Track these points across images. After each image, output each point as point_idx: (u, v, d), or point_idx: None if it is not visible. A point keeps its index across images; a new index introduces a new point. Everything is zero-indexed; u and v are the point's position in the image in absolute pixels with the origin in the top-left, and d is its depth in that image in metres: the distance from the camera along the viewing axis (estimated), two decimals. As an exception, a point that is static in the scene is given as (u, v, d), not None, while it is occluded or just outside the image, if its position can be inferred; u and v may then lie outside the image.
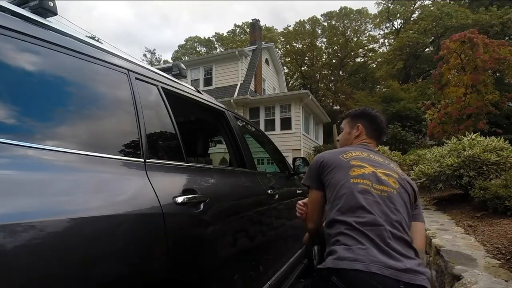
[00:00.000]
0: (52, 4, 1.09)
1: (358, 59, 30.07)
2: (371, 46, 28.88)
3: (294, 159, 3.04)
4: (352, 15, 29.04)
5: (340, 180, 1.19)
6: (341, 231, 1.10)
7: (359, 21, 29.34)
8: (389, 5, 25.83)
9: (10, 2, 1.02)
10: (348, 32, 29.45)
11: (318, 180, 1.29)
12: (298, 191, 2.77)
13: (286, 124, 12.79)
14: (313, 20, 29.60)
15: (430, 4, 22.84)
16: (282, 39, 30.30)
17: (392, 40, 25.77)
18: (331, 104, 28.32)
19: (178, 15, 62.98)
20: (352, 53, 29.34)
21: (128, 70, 1.32)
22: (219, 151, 3.45)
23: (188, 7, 63.38)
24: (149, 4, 61.73)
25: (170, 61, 27.88)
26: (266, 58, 16.89)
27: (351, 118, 1.47)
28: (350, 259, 1.01)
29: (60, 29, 1.11)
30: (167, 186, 1.26)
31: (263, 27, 23.43)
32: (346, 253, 1.03)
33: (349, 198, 1.14)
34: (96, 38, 11.86)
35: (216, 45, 33.85)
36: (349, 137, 1.45)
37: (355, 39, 29.34)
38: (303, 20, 29.85)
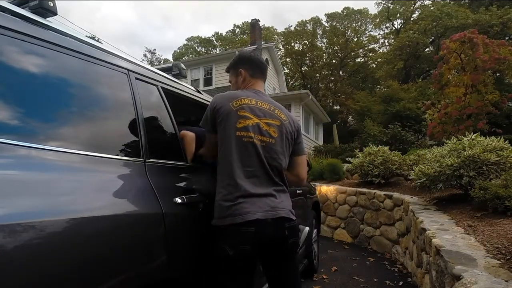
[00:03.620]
0: (52, 4, 1.09)
1: (358, 59, 30.03)
2: (371, 46, 28.86)
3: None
4: (353, 15, 29.04)
5: (227, 132, 1.34)
6: (227, 183, 1.31)
7: (360, 22, 29.33)
8: (389, 5, 25.80)
9: (10, 2, 1.02)
10: (349, 32, 29.44)
11: (213, 124, 1.41)
12: (298, 191, 2.77)
13: (286, 124, 12.77)
14: (315, 20, 29.60)
15: (430, 4, 22.82)
16: (282, 39, 30.30)
17: (392, 40, 25.74)
18: (331, 104, 28.29)
19: (180, 16, 63.06)
20: (352, 53, 29.29)
21: (128, 70, 1.32)
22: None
23: (191, 8, 63.42)
24: (151, 4, 61.78)
25: (171, 61, 27.88)
26: (266, 58, 16.88)
27: (233, 68, 1.57)
28: (233, 214, 1.25)
29: (60, 29, 1.11)
30: (167, 186, 1.26)
31: (262, 27, 23.43)
32: (227, 210, 1.27)
33: (233, 152, 1.32)
34: (96, 38, 11.85)
35: (216, 44, 33.83)
36: (237, 85, 1.56)
37: (355, 39, 29.32)
38: (305, 20, 29.91)
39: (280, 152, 1.38)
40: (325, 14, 29.98)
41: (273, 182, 1.36)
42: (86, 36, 1.30)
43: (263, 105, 1.41)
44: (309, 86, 27.94)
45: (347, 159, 6.81)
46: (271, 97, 1.92)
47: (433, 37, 21.08)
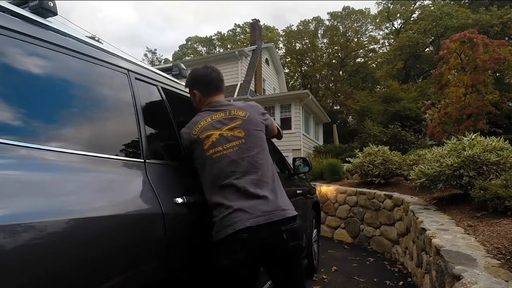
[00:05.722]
0: (52, 4, 1.09)
1: (358, 60, 30.02)
2: (371, 46, 28.85)
3: (294, 159, 3.03)
4: (353, 15, 29.03)
5: (200, 157, 1.38)
6: (215, 199, 1.30)
7: (360, 22, 29.33)
8: (389, 5, 25.78)
9: (10, 2, 1.02)
10: (349, 32, 29.43)
11: (187, 151, 1.47)
12: (298, 191, 2.77)
13: (286, 124, 12.76)
14: (318, 20, 29.62)
15: (430, 4, 22.82)
16: (283, 39, 30.31)
17: (392, 40, 25.72)
18: (331, 104, 28.27)
19: (182, 16, 62.99)
20: (353, 54, 29.29)
21: (128, 70, 1.32)
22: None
23: (192, 9, 63.40)
24: (152, 4, 61.79)
25: (171, 60, 27.86)
26: (266, 58, 16.88)
27: (189, 90, 1.57)
28: (225, 226, 1.24)
29: (60, 29, 1.11)
30: (167, 186, 1.26)
31: (263, 26, 23.42)
32: (220, 225, 1.26)
33: (210, 171, 1.34)
34: (96, 39, 11.85)
35: (216, 44, 33.82)
36: (195, 104, 1.57)
37: (355, 40, 29.32)
38: (308, 19, 29.93)
39: (254, 146, 1.37)
40: (328, 13, 30.06)
41: (262, 181, 1.32)
42: (86, 36, 1.30)
43: (218, 115, 1.42)
44: (309, 86, 27.93)
45: (347, 159, 6.81)
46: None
47: (433, 37, 21.08)
